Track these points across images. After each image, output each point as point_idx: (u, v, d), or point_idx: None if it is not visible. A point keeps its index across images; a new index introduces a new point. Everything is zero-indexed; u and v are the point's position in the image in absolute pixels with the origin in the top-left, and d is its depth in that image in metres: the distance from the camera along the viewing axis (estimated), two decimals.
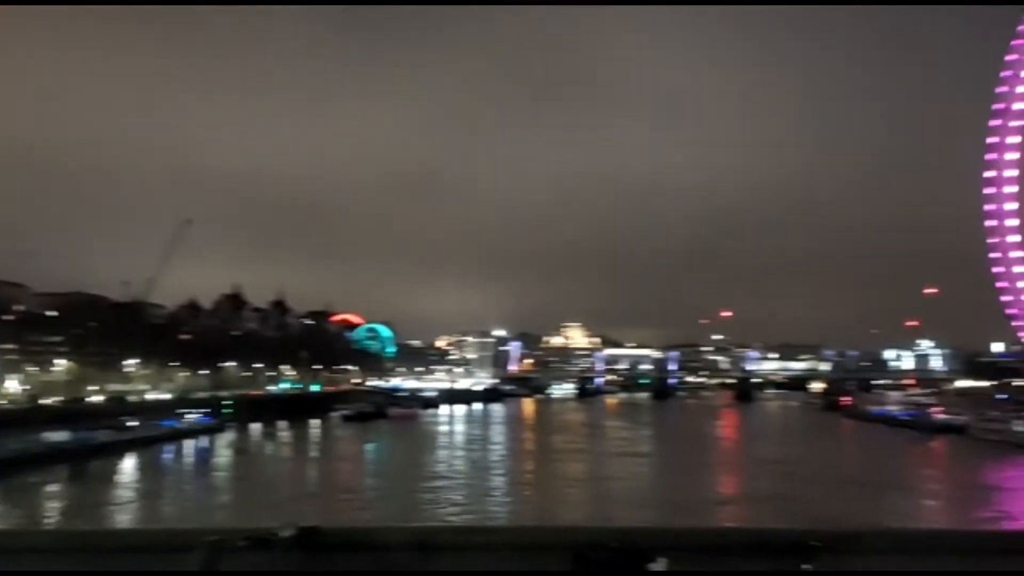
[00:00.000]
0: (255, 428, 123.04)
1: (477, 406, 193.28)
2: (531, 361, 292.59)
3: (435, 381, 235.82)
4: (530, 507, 58.91)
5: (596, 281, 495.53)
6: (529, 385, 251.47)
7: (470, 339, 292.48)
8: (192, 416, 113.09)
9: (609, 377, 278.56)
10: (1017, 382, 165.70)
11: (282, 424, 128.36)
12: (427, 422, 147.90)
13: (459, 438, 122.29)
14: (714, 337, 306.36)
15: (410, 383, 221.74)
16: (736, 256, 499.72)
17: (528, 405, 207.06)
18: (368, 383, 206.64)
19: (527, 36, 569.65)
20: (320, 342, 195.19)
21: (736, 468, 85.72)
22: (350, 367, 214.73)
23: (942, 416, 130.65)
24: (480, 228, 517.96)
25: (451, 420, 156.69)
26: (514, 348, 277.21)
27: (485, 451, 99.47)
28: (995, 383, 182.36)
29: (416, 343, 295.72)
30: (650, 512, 53.22)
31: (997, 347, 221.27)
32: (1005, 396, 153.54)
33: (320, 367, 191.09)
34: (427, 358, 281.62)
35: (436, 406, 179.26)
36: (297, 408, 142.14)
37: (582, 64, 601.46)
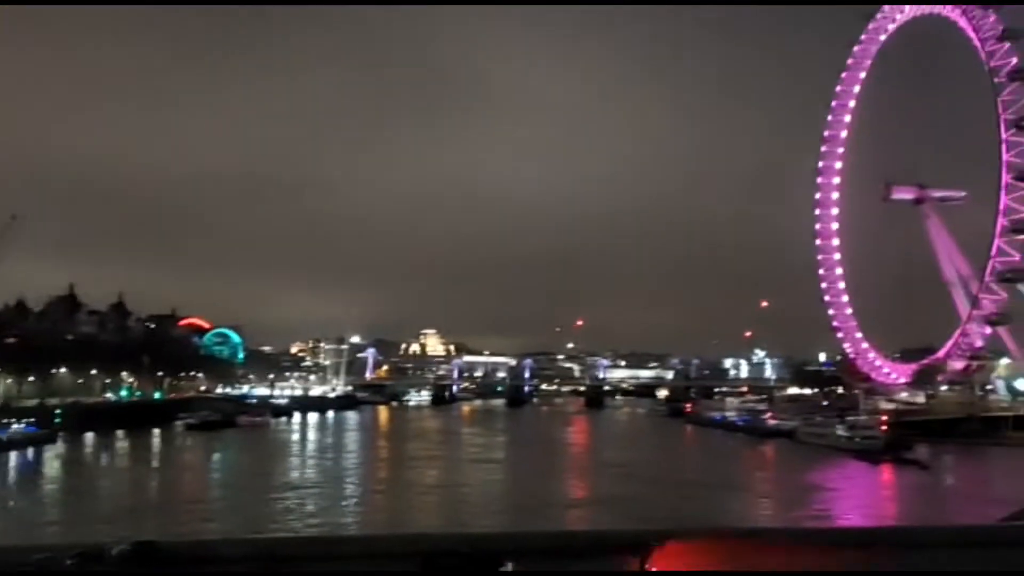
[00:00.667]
0: (89, 438, 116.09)
1: (331, 414, 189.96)
2: (387, 368, 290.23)
3: (288, 388, 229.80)
4: (383, 514, 58.96)
5: (454, 288, 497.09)
6: (385, 392, 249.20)
7: (325, 345, 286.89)
8: (17, 426, 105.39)
9: (465, 384, 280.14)
10: (839, 390, 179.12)
11: (120, 434, 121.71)
12: (279, 431, 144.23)
13: (312, 446, 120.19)
14: (568, 345, 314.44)
15: (261, 390, 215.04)
16: (590, 266, 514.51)
17: (383, 412, 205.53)
18: (216, 390, 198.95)
19: (393, 41, 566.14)
20: (164, 347, 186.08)
21: (584, 472, 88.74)
22: (197, 374, 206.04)
23: (773, 421, 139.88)
24: (338, 232, 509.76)
25: (304, 428, 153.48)
26: (370, 355, 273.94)
27: (338, 459, 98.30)
28: (820, 390, 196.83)
29: (268, 349, 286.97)
30: (501, 516, 54.48)
31: (823, 356, 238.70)
32: (827, 403, 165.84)
33: (164, 374, 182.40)
34: (280, 365, 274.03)
35: (288, 414, 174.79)
36: (137, 417, 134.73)
37: (448, 70, 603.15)
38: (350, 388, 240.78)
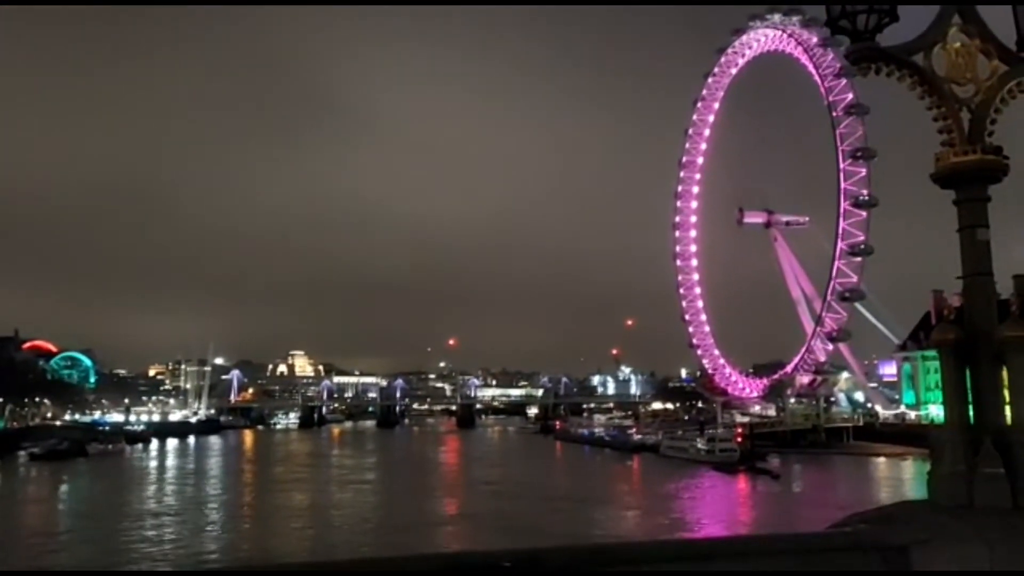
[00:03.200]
0: None
1: (192, 439, 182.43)
2: (253, 391, 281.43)
3: (145, 414, 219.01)
4: (248, 541, 57.67)
5: (323, 308, 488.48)
6: (250, 416, 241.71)
7: (186, 367, 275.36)
8: None
9: (335, 406, 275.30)
10: (699, 404, 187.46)
11: None
12: (135, 458, 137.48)
13: (171, 473, 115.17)
14: (440, 365, 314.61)
15: (115, 416, 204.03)
16: (461, 285, 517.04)
17: (249, 437, 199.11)
18: (65, 417, 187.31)
19: (265, 61, 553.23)
20: (5, 372, 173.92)
21: (454, 490, 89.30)
22: (43, 400, 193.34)
23: (638, 436, 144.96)
24: (200, 250, 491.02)
25: (162, 455, 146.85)
26: (234, 377, 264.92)
27: (200, 486, 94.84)
28: (682, 405, 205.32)
29: (124, 372, 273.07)
30: (371, 537, 54.51)
31: (684, 372, 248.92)
32: (688, 417, 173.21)
33: (4, 401, 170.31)
34: (136, 389, 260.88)
35: (145, 441, 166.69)
36: None
37: (322, 89, 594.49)
38: (213, 412, 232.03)
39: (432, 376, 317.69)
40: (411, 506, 71.05)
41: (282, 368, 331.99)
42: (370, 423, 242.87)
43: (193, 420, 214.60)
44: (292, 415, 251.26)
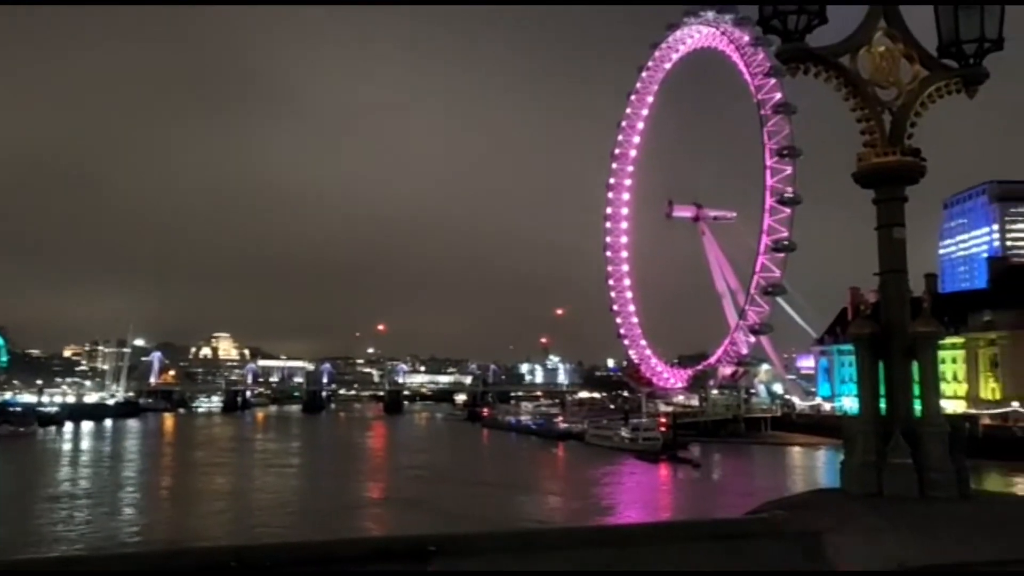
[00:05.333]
0: None
1: (109, 422, 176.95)
2: (175, 373, 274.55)
3: (59, 395, 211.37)
4: (167, 524, 56.36)
5: (250, 290, 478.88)
6: (171, 399, 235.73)
7: (104, 348, 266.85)
8: None
9: (260, 390, 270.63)
10: (625, 394, 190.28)
11: None
12: (47, 441, 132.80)
13: (87, 456, 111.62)
14: (368, 350, 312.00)
15: (26, 397, 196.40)
16: (392, 271, 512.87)
17: (169, 420, 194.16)
18: None
19: (192, 39, 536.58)
20: None
21: (380, 475, 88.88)
22: None
23: (564, 424, 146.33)
24: (122, 227, 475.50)
25: (77, 438, 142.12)
26: (155, 359, 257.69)
27: (117, 468, 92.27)
28: (608, 394, 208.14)
29: (37, 352, 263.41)
30: (294, 519, 53.87)
31: (611, 362, 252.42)
32: (614, 406, 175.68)
33: None
34: (51, 369, 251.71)
35: (59, 422, 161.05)
36: None
37: (250, 69, 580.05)
38: (132, 395, 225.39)
39: (360, 362, 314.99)
40: (336, 490, 70.46)
41: (206, 351, 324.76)
42: (295, 408, 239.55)
43: (111, 402, 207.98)
44: (215, 399, 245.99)
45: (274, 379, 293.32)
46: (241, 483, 78.44)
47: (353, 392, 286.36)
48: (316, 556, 3.94)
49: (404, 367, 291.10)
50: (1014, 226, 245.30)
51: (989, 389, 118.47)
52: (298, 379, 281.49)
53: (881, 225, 6.40)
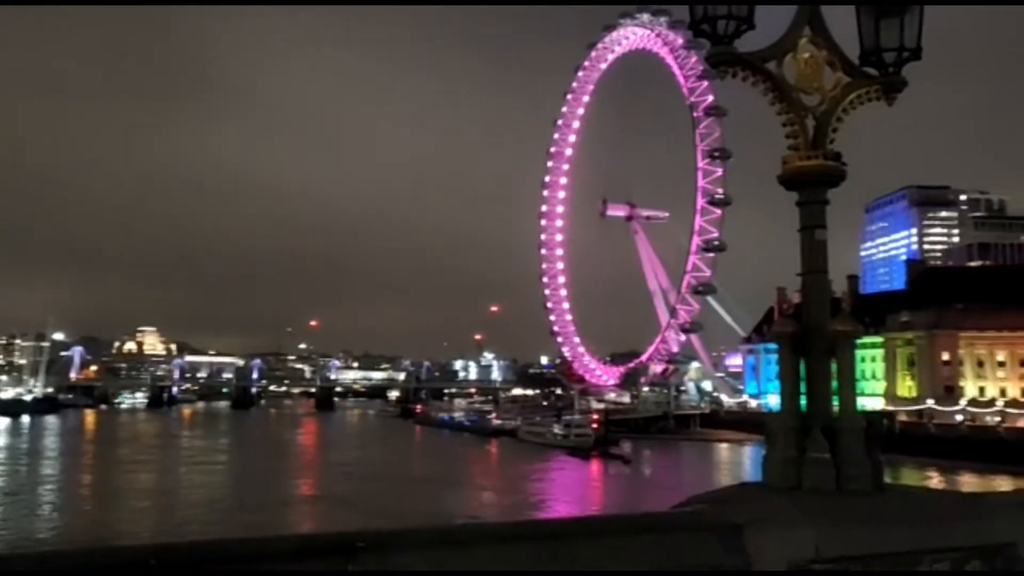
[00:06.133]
0: None
1: (26, 419, 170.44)
2: (96, 368, 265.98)
3: None
4: (88, 523, 54.61)
5: (178, 284, 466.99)
6: (93, 394, 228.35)
7: (20, 342, 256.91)
8: None
9: (186, 386, 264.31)
10: (558, 391, 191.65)
11: None
12: None
13: (1, 454, 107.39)
14: (300, 346, 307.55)
15: None
16: (324, 267, 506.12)
17: (91, 416, 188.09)
18: None
19: (133, 20, 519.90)
20: None
21: (310, 472, 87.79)
22: None
23: (498, 421, 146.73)
24: (44, 217, 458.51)
25: None
26: (76, 353, 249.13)
27: (34, 466, 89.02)
28: (541, 391, 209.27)
29: None
30: (219, 517, 52.77)
31: (545, 360, 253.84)
32: (547, 403, 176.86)
33: None
34: None
35: None
36: None
37: (189, 57, 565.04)
38: (51, 390, 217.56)
39: (292, 358, 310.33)
40: (264, 487, 69.29)
41: (130, 345, 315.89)
42: (224, 404, 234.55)
43: (28, 398, 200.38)
44: (139, 395, 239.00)
45: (202, 375, 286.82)
46: (166, 481, 76.55)
47: (284, 388, 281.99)
48: (239, 554, 3.85)
49: (337, 363, 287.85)
50: (931, 230, 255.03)
51: (906, 387, 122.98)
52: (227, 375, 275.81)
53: (804, 227, 6.59)
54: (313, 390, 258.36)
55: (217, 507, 58.42)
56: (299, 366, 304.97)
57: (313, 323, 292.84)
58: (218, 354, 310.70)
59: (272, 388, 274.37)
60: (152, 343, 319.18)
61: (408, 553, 4.13)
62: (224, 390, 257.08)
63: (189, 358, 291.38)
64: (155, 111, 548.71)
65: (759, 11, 6.35)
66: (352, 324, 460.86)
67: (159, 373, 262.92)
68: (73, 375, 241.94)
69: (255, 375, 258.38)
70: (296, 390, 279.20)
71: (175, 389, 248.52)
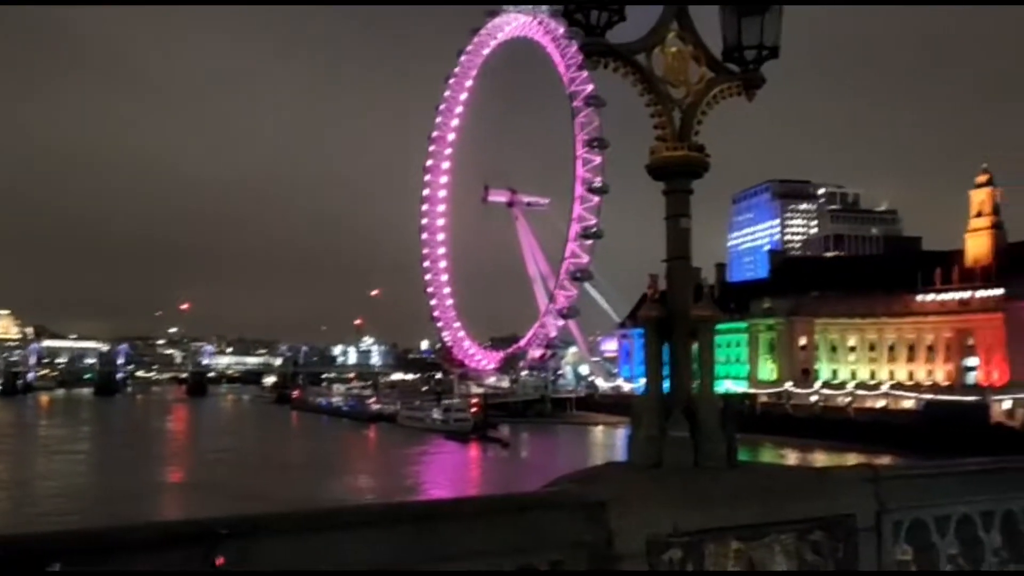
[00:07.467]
0: None
1: None
2: None
3: None
4: None
5: (35, 264, 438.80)
6: None
7: None
8: None
9: (44, 372, 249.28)
10: (439, 375, 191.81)
11: None
12: None
13: None
14: (170, 330, 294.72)
15: None
16: (196, 248, 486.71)
17: None
18: None
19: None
20: None
21: (179, 459, 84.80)
22: None
23: (376, 406, 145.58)
24: None
25: None
26: None
27: None
28: (421, 376, 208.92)
29: None
30: (79, 507, 50.20)
31: (424, 344, 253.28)
32: (427, 388, 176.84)
33: None
34: None
35: None
36: None
37: (57, 28, 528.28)
38: None
39: (162, 342, 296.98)
40: (130, 476, 66.39)
41: None
42: (87, 391, 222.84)
43: None
44: None
45: (62, 361, 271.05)
46: (21, 471, 72.32)
47: (153, 374, 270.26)
48: (91, 545, 3.65)
49: (210, 348, 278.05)
50: (792, 222, 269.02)
51: (768, 370, 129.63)
52: (91, 360, 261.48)
53: (669, 215, 6.84)
54: (184, 376, 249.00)
55: (78, 498, 55.53)
56: (169, 351, 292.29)
57: (184, 306, 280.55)
58: (80, 338, 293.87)
59: (140, 374, 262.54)
60: (5, 327, 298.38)
61: (275, 538, 4.06)
62: (87, 376, 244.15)
63: (48, 343, 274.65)
64: (16, 83, 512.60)
65: (630, 5, 6.52)
66: (226, 308, 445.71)
67: (13, 359, 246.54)
68: None
69: (121, 360, 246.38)
70: (165, 376, 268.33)
71: (31, 375, 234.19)
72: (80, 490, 59.62)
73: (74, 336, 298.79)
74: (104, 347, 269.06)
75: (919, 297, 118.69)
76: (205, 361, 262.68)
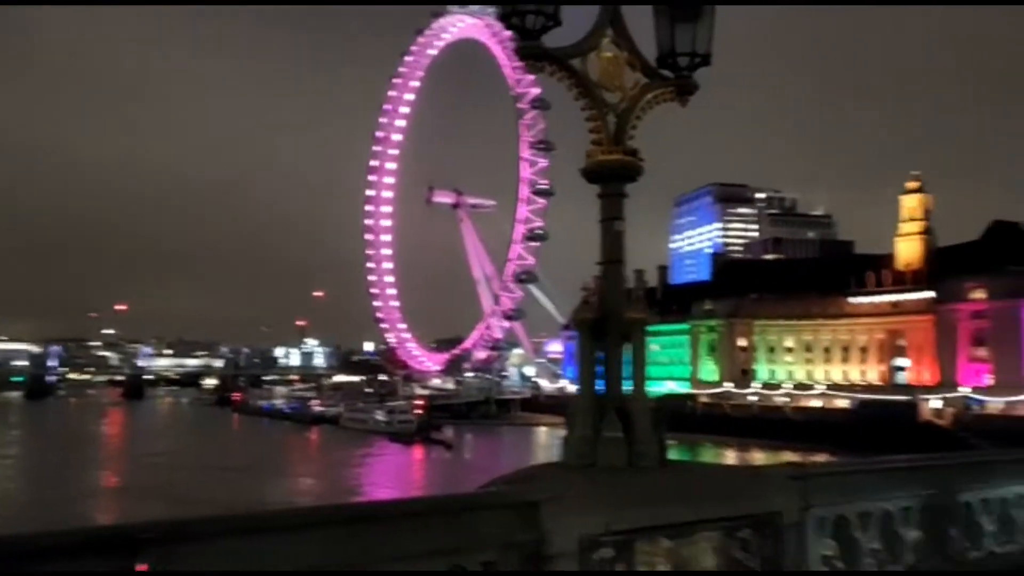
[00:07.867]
0: None
1: None
2: None
3: None
4: None
5: None
6: None
7: None
8: None
9: None
10: (383, 377, 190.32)
11: None
12: None
13: None
14: (105, 332, 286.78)
15: None
16: (134, 247, 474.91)
17: None
18: None
19: None
20: None
21: (114, 463, 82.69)
22: None
23: (319, 408, 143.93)
24: None
25: None
26: None
27: None
28: (365, 378, 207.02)
29: None
30: (3, 510, 48.62)
31: (368, 346, 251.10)
32: (371, 390, 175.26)
33: None
34: None
35: None
36: None
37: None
38: None
39: (97, 344, 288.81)
40: (62, 481, 64.50)
41: None
42: (16, 394, 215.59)
43: None
44: None
45: None
46: None
47: (88, 377, 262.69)
48: (3, 551, 3.51)
49: (148, 350, 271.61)
50: (732, 225, 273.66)
51: (709, 371, 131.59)
52: (20, 362, 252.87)
53: (604, 218, 6.93)
54: (120, 378, 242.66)
55: (5, 504, 53.69)
56: (105, 353, 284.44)
57: (121, 307, 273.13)
58: (9, 340, 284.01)
59: (73, 376, 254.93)
60: None
61: (203, 543, 3.95)
62: (16, 379, 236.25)
63: None
64: None
65: (566, 10, 6.59)
66: (165, 309, 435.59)
67: None
68: None
69: (53, 363, 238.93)
70: (101, 378, 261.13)
71: None
72: (8, 496, 57.69)
73: (3, 338, 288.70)
74: (35, 349, 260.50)
75: (852, 299, 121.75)
76: (142, 363, 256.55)
